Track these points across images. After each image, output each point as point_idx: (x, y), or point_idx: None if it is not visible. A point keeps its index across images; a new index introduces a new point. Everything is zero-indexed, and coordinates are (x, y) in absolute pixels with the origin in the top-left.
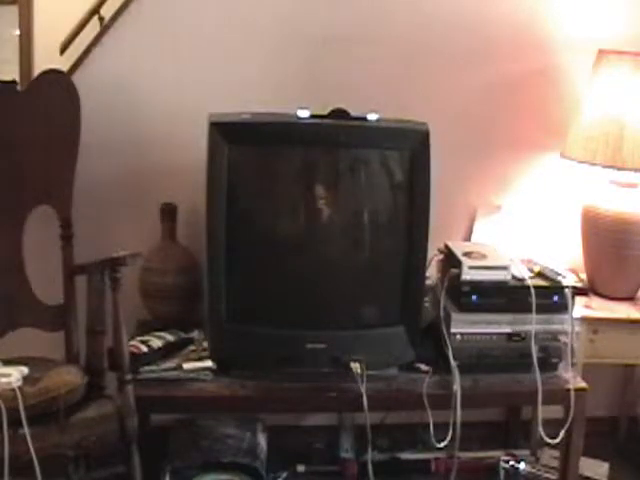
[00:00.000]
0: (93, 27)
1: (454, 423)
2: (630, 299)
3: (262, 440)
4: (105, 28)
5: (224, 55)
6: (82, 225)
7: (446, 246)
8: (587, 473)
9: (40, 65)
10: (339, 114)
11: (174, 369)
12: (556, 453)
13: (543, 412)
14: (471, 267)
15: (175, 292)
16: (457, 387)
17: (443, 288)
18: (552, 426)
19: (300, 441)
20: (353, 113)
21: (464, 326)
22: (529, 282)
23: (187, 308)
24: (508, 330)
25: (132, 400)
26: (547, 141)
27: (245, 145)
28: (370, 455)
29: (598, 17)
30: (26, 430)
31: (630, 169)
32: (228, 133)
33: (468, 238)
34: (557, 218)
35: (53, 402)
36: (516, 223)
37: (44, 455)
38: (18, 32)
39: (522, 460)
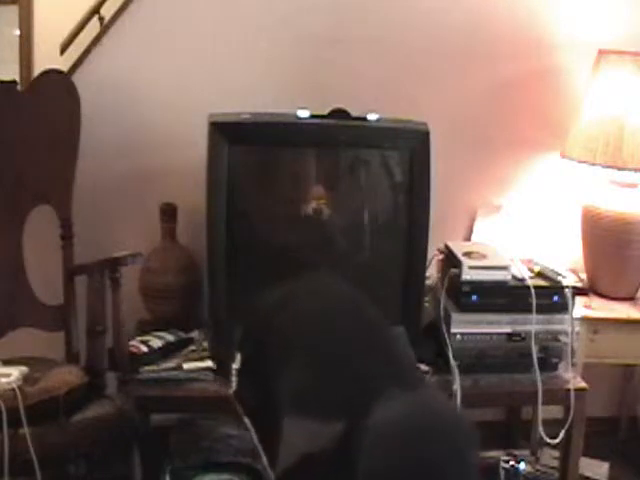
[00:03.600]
0: (93, 27)
1: None
2: (630, 299)
3: None
4: (105, 28)
5: (224, 55)
6: (82, 225)
7: (446, 246)
8: (587, 473)
9: (40, 65)
10: (339, 114)
11: (174, 369)
12: (556, 453)
13: (543, 412)
14: (471, 267)
15: (175, 292)
16: (457, 387)
17: (443, 288)
18: (552, 426)
19: None
20: (353, 113)
21: (464, 326)
22: (529, 282)
23: (187, 308)
24: (508, 330)
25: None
26: (547, 141)
27: (245, 145)
28: None
29: (598, 17)
30: (26, 430)
31: (630, 169)
32: (228, 133)
33: (468, 238)
34: (557, 218)
35: (53, 402)
36: (516, 223)
37: (44, 455)
38: (18, 32)
39: (522, 460)
